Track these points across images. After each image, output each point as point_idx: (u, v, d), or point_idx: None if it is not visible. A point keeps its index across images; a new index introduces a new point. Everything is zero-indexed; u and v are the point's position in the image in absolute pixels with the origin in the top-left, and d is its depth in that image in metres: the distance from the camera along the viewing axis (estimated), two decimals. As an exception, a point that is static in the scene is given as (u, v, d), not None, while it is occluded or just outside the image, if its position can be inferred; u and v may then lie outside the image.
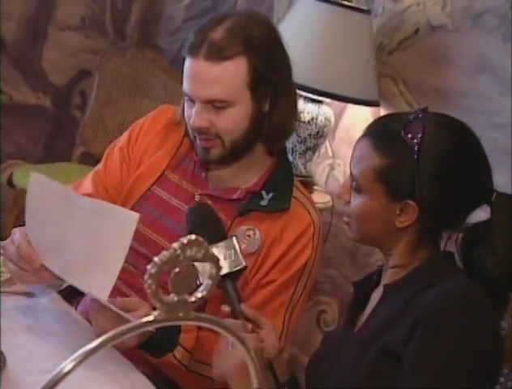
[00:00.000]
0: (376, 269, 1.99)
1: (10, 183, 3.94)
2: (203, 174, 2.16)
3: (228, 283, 1.79)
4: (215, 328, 0.83)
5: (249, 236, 1.94)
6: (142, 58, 4.33)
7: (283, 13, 3.51)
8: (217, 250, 1.75)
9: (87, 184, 2.27)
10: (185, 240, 0.76)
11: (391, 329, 1.73)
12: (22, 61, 4.16)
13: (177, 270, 0.75)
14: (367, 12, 3.22)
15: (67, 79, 4.32)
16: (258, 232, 1.97)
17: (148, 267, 0.76)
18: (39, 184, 1.83)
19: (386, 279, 1.86)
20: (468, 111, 3.01)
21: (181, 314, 0.81)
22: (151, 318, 0.80)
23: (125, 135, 2.35)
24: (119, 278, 2.06)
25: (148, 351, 1.94)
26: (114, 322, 1.83)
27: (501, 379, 1.88)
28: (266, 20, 2.22)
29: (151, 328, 1.79)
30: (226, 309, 1.81)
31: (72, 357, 0.77)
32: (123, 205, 2.18)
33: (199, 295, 0.79)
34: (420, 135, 1.74)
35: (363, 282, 1.99)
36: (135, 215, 1.90)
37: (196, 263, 0.84)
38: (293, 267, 2.08)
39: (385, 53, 3.33)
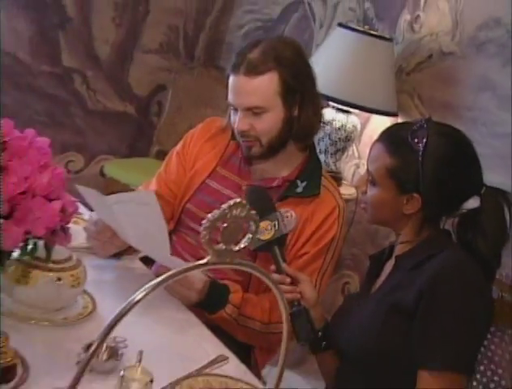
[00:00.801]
0: (387, 245, 1.99)
1: (101, 173, 3.97)
2: (247, 168, 2.17)
3: (274, 247, 1.83)
4: (253, 272, 0.86)
5: (287, 217, 1.87)
6: (207, 76, 4.34)
7: (322, 40, 3.49)
8: (266, 222, 1.81)
9: (153, 183, 2.31)
10: (231, 202, 0.79)
11: (400, 291, 1.75)
12: (113, 78, 4.18)
13: (225, 225, 0.77)
14: (389, 40, 3.19)
15: (147, 92, 4.33)
16: (293, 214, 1.90)
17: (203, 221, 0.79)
18: (85, 191, 1.88)
19: (397, 251, 1.86)
20: (472, 122, 2.97)
21: (227, 260, 0.83)
22: (204, 261, 0.82)
23: (180, 143, 2.36)
24: (184, 250, 2.20)
25: (205, 308, 1.96)
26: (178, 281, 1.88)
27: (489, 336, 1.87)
28: (293, 42, 2.21)
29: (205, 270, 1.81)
30: (272, 267, 1.85)
31: (143, 289, 0.80)
32: (184, 195, 2.25)
33: (242, 245, 0.82)
34: (424, 141, 1.75)
35: (377, 255, 1.99)
36: (151, 193, 2.00)
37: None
38: (322, 241, 2.09)
39: (403, 73, 3.30)
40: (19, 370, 1.33)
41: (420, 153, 1.74)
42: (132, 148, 4.33)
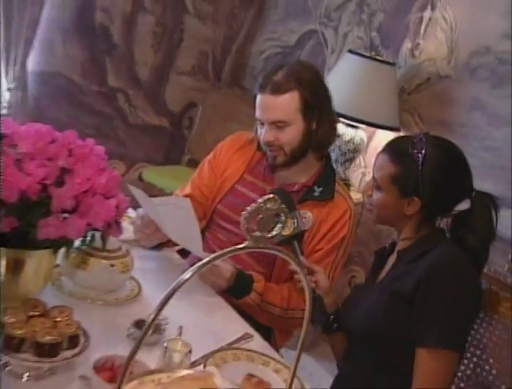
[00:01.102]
0: (390, 242, 1.99)
1: (140, 178, 3.97)
2: (271, 175, 2.16)
3: (294, 242, 1.83)
4: (283, 256, 0.89)
5: (305, 217, 1.87)
6: (232, 95, 4.33)
7: (333, 64, 3.51)
8: (290, 219, 1.80)
9: (188, 187, 2.32)
10: (266, 197, 0.84)
11: (401, 280, 1.76)
12: (151, 96, 4.19)
13: (260, 216, 0.82)
14: (393, 65, 3.19)
15: (180, 108, 4.33)
16: (311, 215, 1.89)
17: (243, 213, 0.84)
18: (135, 191, 1.91)
19: (399, 247, 1.88)
20: (465, 137, 2.96)
21: (262, 245, 0.87)
22: (242, 245, 0.86)
23: (211, 153, 2.36)
24: (215, 244, 2.21)
25: (233, 294, 1.99)
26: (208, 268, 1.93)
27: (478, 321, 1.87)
28: (311, 66, 2.20)
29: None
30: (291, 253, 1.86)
31: (190, 269, 0.84)
32: (215, 198, 2.26)
33: (274, 232, 0.86)
34: (423, 152, 1.76)
35: (380, 251, 2.00)
36: (187, 199, 1.97)
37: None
38: (335, 239, 2.10)
39: (405, 93, 3.29)
40: (82, 339, 1.36)
41: (420, 162, 1.76)
42: (166, 157, 4.33)
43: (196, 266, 0.86)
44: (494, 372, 1.80)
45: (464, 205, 1.83)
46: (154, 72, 4.19)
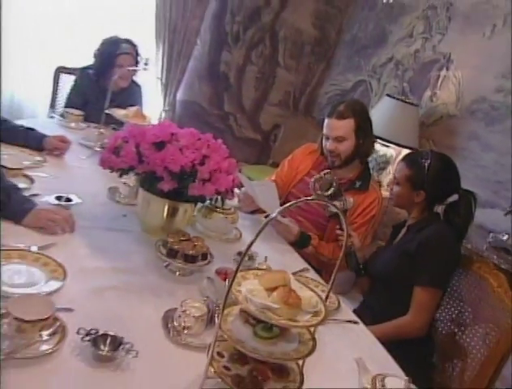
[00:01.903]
0: (403, 220, 2.03)
1: (239, 172, 3.91)
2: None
3: (340, 215, 1.88)
4: (334, 208, 0.98)
5: (349, 200, 1.89)
6: (305, 121, 4.26)
7: (375, 103, 3.47)
8: (337, 202, 1.77)
9: (273, 177, 2.33)
10: (325, 171, 0.97)
11: (408, 244, 1.83)
12: (251, 118, 4.27)
13: (321, 180, 0.94)
14: (416, 105, 3.19)
15: (269, 128, 4.35)
16: (352, 199, 1.92)
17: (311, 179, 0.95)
18: (241, 176, 1.88)
19: (408, 223, 1.94)
20: (464, 158, 2.93)
21: (322, 199, 0.98)
22: (310, 198, 0.95)
23: (290, 156, 2.36)
24: (290, 217, 2.10)
25: (297, 246, 2.01)
26: (280, 225, 1.99)
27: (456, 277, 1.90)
28: (361, 103, 2.23)
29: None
30: (337, 226, 1.97)
31: (277, 211, 0.92)
32: (290, 185, 2.25)
33: (329, 192, 0.98)
34: (428, 161, 1.83)
35: (397, 225, 2.05)
36: (273, 183, 2.00)
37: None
38: (366, 217, 2.13)
39: (424, 126, 3.23)
40: (209, 256, 1.49)
41: (426, 168, 1.83)
42: (257, 160, 4.31)
43: (281, 208, 0.95)
44: (470, 315, 1.80)
45: (454, 198, 1.88)
46: (254, 103, 4.23)
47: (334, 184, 0.96)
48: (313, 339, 1.03)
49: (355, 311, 1.90)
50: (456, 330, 1.81)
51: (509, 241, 2.55)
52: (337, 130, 2.07)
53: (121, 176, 1.56)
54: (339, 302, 1.60)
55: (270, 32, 4.06)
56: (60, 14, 3.20)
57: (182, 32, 3.62)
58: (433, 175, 1.82)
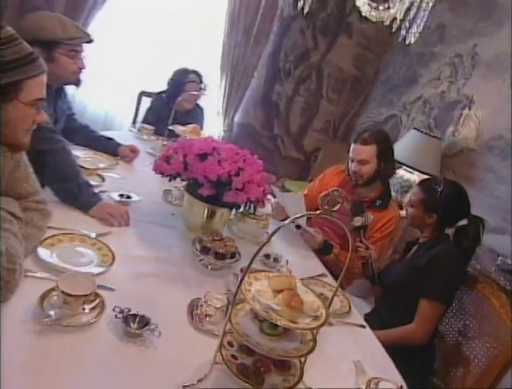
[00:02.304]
0: (415, 238, 1.93)
1: (283, 186, 3.86)
2: (353, 190, 2.04)
3: (361, 230, 1.81)
4: (335, 220, 0.89)
5: (369, 217, 1.82)
6: (341, 146, 3.96)
7: (404, 135, 3.31)
8: (358, 217, 1.77)
9: (305, 190, 2.26)
10: (333, 188, 0.90)
11: (418, 259, 1.74)
12: (296, 141, 4.13)
13: (328, 197, 0.88)
14: (440, 139, 3.04)
15: (311, 150, 4.23)
16: (372, 216, 1.85)
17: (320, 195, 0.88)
18: (275, 189, 1.87)
19: (420, 240, 1.84)
20: (481, 188, 2.82)
21: (329, 215, 0.91)
22: (318, 212, 0.88)
23: (322, 174, 2.30)
24: (315, 226, 2.03)
25: (320, 253, 1.92)
26: (307, 233, 1.91)
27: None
28: (384, 132, 2.12)
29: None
30: (358, 239, 1.83)
31: (292, 218, 0.88)
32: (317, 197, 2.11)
33: (335, 208, 0.91)
34: (441, 188, 1.72)
35: (409, 242, 1.95)
36: (301, 195, 1.94)
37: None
38: (384, 232, 2.03)
39: (445, 157, 3.10)
40: (237, 255, 1.43)
41: (438, 194, 1.72)
42: (298, 176, 4.24)
43: (293, 217, 0.89)
44: (475, 328, 1.70)
45: (464, 222, 1.78)
46: (299, 128, 4.15)
47: (341, 200, 0.89)
48: (314, 340, 0.95)
49: (366, 315, 1.85)
50: (461, 340, 1.72)
51: (515, 264, 2.44)
52: (360, 154, 2.01)
53: (170, 180, 1.55)
54: (349, 306, 1.51)
55: (316, 69, 4.03)
56: (144, 48, 3.33)
57: (242, 67, 3.63)
58: (445, 200, 1.73)
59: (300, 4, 1.72)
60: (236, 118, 3.91)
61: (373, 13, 1.69)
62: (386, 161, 2.04)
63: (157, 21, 3.29)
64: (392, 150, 2.08)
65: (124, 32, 3.23)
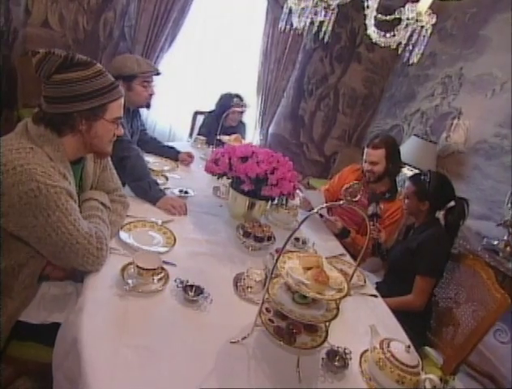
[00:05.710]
0: (412, 223, 1.81)
1: (307, 183, 3.78)
2: (367, 185, 1.93)
3: (374, 218, 1.74)
4: (355, 208, 0.83)
5: (380, 207, 1.78)
6: (355, 151, 3.90)
7: (405, 140, 3.15)
8: (371, 207, 1.73)
9: (327, 186, 2.14)
10: (354, 182, 0.83)
11: (413, 241, 1.64)
12: (317, 146, 4.06)
13: (350, 189, 0.81)
14: (435, 143, 2.89)
15: (330, 153, 4.14)
16: (383, 206, 1.79)
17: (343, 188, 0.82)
18: (300, 186, 1.78)
19: (415, 225, 1.74)
20: (468, 183, 2.68)
21: (350, 204, 0.84)
22: (341, 202, 0.83)
23: (340, 172, 2.15)
24: (337, 215, 1.93)
25: (340, 236, 1.82)
26: (328, 221, 1.83)
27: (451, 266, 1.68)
28: (392, 137, 1.99)
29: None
30: (371, 223, 1.69)
31: (318, 207, 0.82)
32: (337, 192, 1.98)
33: (356, 199, 0.84)
34: (428, 180, 1.62)
35: (408, 225, 1.82)
36: (321, 191, 1.88)
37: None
38: (392, 219, 1.92)
39: (440, 158, 2.94)
40: (272, 239, 1.37)
41: (427, 184, 1.62)
42: (321, 174, 4.15)
43: (320, 206, 0.83)
44: (465, 296, 1.61)
45: (452, 204, 1.65)
46: (320, 136, 4.07)
47: (362, 192, 0.82)
48: (337, 308, 0.89)
49: (377, 283, 1.79)
50: (453, 305, 1.65)
51: (498, 245, 2.29)
52: (372, 156, 1.92)
53: (218, 178, 1.52)
54: (365, 280, 1.46)
55: (333, 89, 3.94)
56: (197, 77, 3.41)
57: (274, 89, 3.60)
58: (433, 188, 1.62)
59: (321, 35, 1.71)
60: (270, 129, 3.87)
61: (382, 39, 1.63)
62: (394, 162, 1.95)
63: (207, 57, 3.38)
64: (399, 152, 1.98)
65: (183, 66, 3.34)
